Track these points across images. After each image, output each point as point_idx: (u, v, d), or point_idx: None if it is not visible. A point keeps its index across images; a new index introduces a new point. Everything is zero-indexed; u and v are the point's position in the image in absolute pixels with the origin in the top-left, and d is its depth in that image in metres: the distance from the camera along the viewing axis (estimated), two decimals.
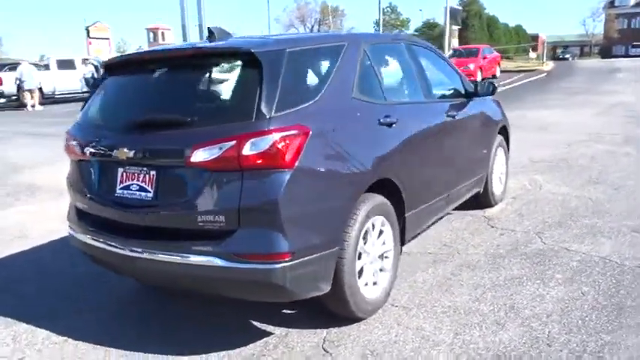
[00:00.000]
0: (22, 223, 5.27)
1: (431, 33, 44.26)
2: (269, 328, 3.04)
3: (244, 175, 2.44)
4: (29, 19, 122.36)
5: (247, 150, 2.41)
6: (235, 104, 2.56)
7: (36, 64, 21.67)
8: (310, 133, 2.57)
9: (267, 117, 2.47)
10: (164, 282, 3.00)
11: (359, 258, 2.95)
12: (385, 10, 53.06)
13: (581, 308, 3.07)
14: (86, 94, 21.13)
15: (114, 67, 3.11)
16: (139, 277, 3.05)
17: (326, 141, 2.69)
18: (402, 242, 3.44)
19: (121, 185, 2.78)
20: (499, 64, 25.25)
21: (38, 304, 3.50)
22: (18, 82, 18.92)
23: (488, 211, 5.08)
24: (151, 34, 54.17)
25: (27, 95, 19.06)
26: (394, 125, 3.23)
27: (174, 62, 2.82)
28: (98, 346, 2.92)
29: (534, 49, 40.44)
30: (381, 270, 3.19)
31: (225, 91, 2.67)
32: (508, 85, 21.49)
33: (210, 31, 3.01)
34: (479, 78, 21.26)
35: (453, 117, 4.06)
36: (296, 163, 2.49)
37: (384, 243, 3.20)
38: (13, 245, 4.63)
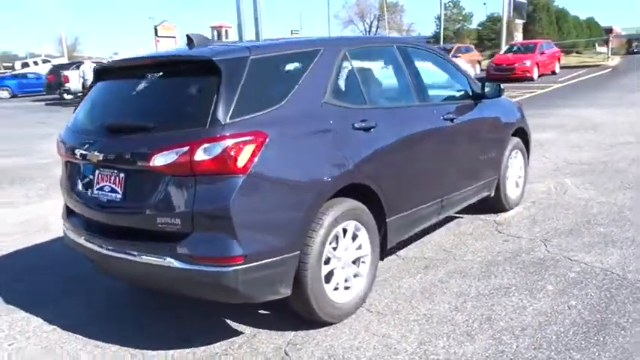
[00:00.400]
0: (46, 216, 5.58)
1: (494, 27, 42.82)
2: (241, 327, 3.10)
3: (197, 180, 2.51)
4: (103, 19, 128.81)
5: (199, 156, 2.47)
6: (193, 111, 2.62)
7: (97, 63, 22.71)
8: (267, 139, 2.60)
9: (222, 123, 2.52)
10: (134, 281, 3.12)
11: (326, 263, 2.95)
12: (447, 5, 51.89)
13: (561, 323, 2.93)
14: None
15: (100, 73, 3.26)
16: (114, 275, 3.19)
17: (286, 147, 2.71)
18: (384, 247, 3.40)
19: (97, 186, 2.92)
20: (559, 59, 24.11)
21: (42, 294, 3.73)
22: (82, 79, 19.95)
23: (501, 216, 4.91)
24: (215, 32, 55.86)
25: None
26: (372, 130, 3.19)
27: (143, 70, 2.92)
28: (79, 337, 3.07)
29: (604, 42, 38.20)
30: (355, 275, 3.18)
31: (186, 98, 2.74)
32: (565, 82, 20.53)
33: (189, 38, 3.09)
34: (535, 75, 20.46)
35: (452, 120, 3.95)
36: (249, 169, 2.52)
37: (359, 248, 3.18)
38: (35, 237, 4.94)
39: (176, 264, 2.56)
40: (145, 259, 2.65)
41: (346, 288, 3.12)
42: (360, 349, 2.79)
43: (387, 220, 3.36)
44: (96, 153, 2.80)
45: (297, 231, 2.71)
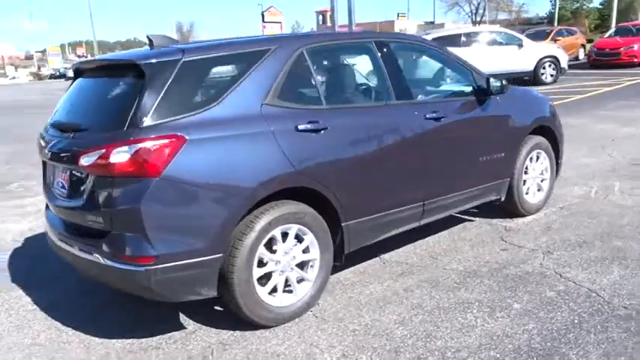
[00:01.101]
0: None
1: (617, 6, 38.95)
2: (188, 322, 3.18)
3: (115, 182, 2.60)
4: (216, 5, 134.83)
5: (115, 158, 2.56)
6: (117, 113, 2.70)
7: None
8: (186, 142, 2.63)
9: (138, 126, 2.59)
10: (83, 275, 3.23)
11: (261, 265, 2.94)
12: None
13: (501, 348, 2.69)
14: None
15: (75, 73, 3.46)
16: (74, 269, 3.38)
17: (210, 150, 2.71)
18: (342, 252, 3.31)
19: (55, 182, 3.13)
20: None
21: (43, 275, 4.08)
22: None
23: (515, 222, 4.56)
24: (320, 17, 56.50)
25: None
26: (323, 131, 3.10)
27: (94, 72, 3.05)
28: (49, 319, 3.33)
29: None
30: (301, 280, 3.13)
31: (115, 101, 2.83)
32: None
33: (149, 39, 3.18)
34: None
35: (438, 119, 3.71)
36: (163, 172, 2.57)
37: (306, 251, 3.13)
38: None
39: (101, 260, 2.69)
40: (81, 254, 2.81)
41: (289, 292, 3.09)
42: (280, 356, 2.76)
43: (343, 224, 3.26)
44: (46, 151, 3.00)
45: (218, 234, 2.72)
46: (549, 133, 4.74)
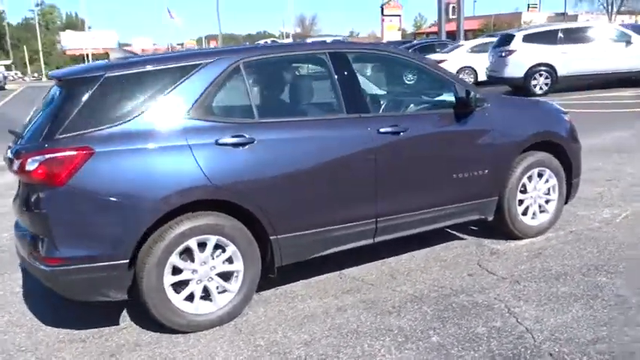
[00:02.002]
0: None
1: None
2: (126, 318, 3.39)
3: (32, 188, 2.85)
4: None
5: (29, 166, 2.80)
6: (41, 124, 2.94)
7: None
8: (94, 154, 2.81)
9: (52, 138, 2.82)
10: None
11: (176, 273, 3.05)
12: None
13: None
14: None
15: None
16: None
17: (120, 162, 2.86)
18: (272, 265, 3.33)
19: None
20: None
21: None
22: None
23: (507, 244, 4.22)
24: (443, 6, 54.98)
25: None
26: (249, 145, 3.13)
27: (54, 83, 3.29)
28: (22, 304, 3.74)
29: None
30: (223, 290, 3.20)
31: (46, 112, 3.06)
32: None
33: (107, 54, 3.41)
34: None
35: (397, 133, 3.55)
36: (69, 182, 2.77)
37: (229, 262, 3.19)
38: None
39: (30, 259, 2.98)
40: (25, 255, 3.12)
41: (210, 300, 3.17)
42: None
43: (272, 238, 3.27)
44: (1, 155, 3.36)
45: (122, 242, 2.87)
46: (559, 149, 4.30)
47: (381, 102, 3.87)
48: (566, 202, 4.59)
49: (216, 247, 3.15)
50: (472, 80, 16.60)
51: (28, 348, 3.11)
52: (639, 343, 2.75)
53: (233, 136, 3.10)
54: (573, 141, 4.42)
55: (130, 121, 2.94)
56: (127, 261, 2.90)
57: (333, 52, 3.56)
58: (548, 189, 4.36)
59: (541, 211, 4.37)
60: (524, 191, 4.24)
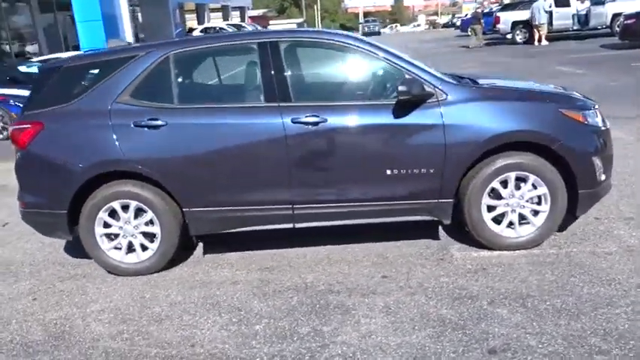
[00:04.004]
0: None
1: None
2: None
3: (16, 150, 3.91)
4: None
5: (11, 132, 3.85)
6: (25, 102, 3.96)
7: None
8: (43, 127, 3.69)
9: (23, 113, 3.80)
10: None
11: (106, 227, 3.80)
12: None
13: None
14: (578, 31, 20.43)
15: None
16: None
17: (60, 135, 3.68)
18: (188, 233, 3.82)
19: None
20: None
21: None
22: (530, 17, 19.96)
23: (467, 254, 3.79)
24: None
25: (535, 30, 20.00)
26: (162, 128, 3.62)
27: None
28: None
29: None
30: (145, 248, 3.83)
31: (29, 94, 4.04)
32: None
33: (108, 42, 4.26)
34: None
35: (316, 123, 3.54)
36: (28, 147, 3.72)
37: (150, 225, 3.79)
38: None
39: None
40: None
41: (132, 251, 3.85)
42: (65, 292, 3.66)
43: (184, 210, 3.74)
44: None
45: (61, 196, 3.72)
46: (554, 153, 3.60)
47: (310, 92, 3.82)
48: (576, 217, 3.81)
49: (140, 210, 3.77)
50: None
51: None
52: None
53: (149, 119, 3.63)
54: (579, 144, 3.61)
55: (72, 103, 3.73)
56: (65, 211, 3.75)
57: (263, 41, 3.70)
58: (539, 198, 3.69)
59: (524, 222, 3.75)
60: (497, 197, 3.70)
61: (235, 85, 3.99)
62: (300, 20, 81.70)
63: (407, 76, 3.59)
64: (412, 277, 3.51)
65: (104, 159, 3.68)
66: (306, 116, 3.56)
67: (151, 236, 3.83)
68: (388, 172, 3.63)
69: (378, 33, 47.27)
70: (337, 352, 2.77)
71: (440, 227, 4.17)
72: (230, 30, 30.53)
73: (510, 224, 3.76)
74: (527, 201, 3.70)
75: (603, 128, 3.84)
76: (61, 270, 4.09)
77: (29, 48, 21.17)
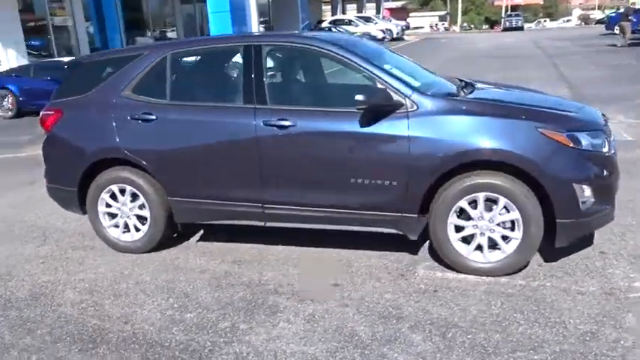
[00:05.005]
0: None
1: None
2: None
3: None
4: None
5: (41, 116, 4.45)
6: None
7: None
8: (62, 114, 4.23)
9: (50, 102, 4.37)
10: None
11: (107, 207, 4.26)
12: None
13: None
14: None
15: None
16: None
17: (75, 122, 4.20)
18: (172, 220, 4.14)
19: None
20: None
21: None
22: None
23: (431, 274, 3.64)
24: None
25: None
26: (153, 122, 3.96)
27: None
28: None
29: None
30: (137, 228, 4.22)
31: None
32: None
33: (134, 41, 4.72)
34: None
35: (285, 127, 3.62)
36: (51, 130, 4.29)
37: (142, 208, 4.17)
38: None
39: None
40: None
41: (128, 231, 4.26)
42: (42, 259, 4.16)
43: (168, 198, 4.07)
44: None
45: (73, 175, 4.22)
46: (530, 175, 3.32)
47: (285, 96, 3.84)
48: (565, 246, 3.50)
49: (135, 195, 4.16)
50: None
51: None
52: None
53: (143, 113, 3.99)
54: (558, 168, 3.28)
55: (87, 95, 4.21)
56: (76, 189, 4.27)
57: (248, 44, 3.85)
58: (512, 223, 3.43)
59: (494, 248, 3.50)
60: (466, 218, 3.50)
61: (221, 85, 4.17)
62: (442, 13, 79.65)
63: (379, 85, 3.54)
64: (360, 289, 3.48)
65: (105, 146, 4.11)
66: (277, 119, 3.67)
67: (143, 219, 4.20)
68: (352, 180, 3.61)
69: (521, 28, 44.40)
70: (234, 350, 2.89)
71: (427, 244, 4.02)
72: (359, 23, 30.92)
73: (480, 248, 3.54)
74: (498, 225, 3.46)
75: (605, 154, 3.44)
76: (79, 240, 4.65)
77: (169, 34, 23.36)
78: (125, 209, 4.21)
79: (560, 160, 3.30)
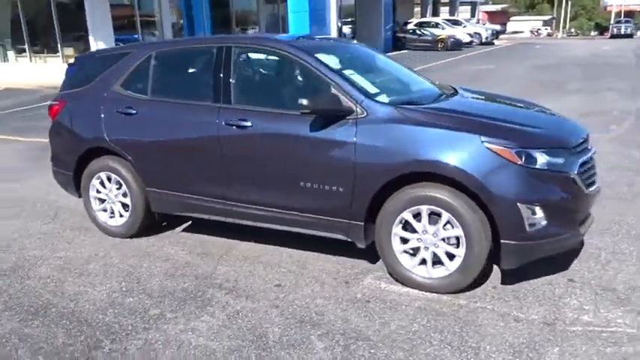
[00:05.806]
0: None
1: None
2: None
3: None
4: None
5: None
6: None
7: None
8: (65, 105, 4.59)
9: (58, 94, 4.76)
10: None
11: (98, 192, 4.57)
12: None
13: None
14: None
15: None
16: None
17: (74, 112, 4.53)
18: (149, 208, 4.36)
19: None
20: None
21: None
22: None
23: (382, 287, 3.55)
24: None
25: None
26: (134, 115, 4.20)
27: None
28: None
29: None
30: (122, 215, 4.49)
31: None
32: None
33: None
34: None
35: (243, 127, 3.71)
36: (56, 119, 4.67)
37: (124, 196, 4.43)
38: None
39: None
40: None
41: (113, 216, 4.55)
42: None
43: (146, 188, 4.29)
44: None
45: (71, 161, 4.57)
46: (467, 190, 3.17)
47: (247, 96, 3.85)
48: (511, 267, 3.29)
49: (119, 183, 4.44)
50: None
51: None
52: None
53: (126, 107, 4.24)
54: (501, 184, 3.08)
55: (85, 88, 4.54)
56: (71, 174, 4.62)
57: (220, 46, 3.98)
58: (457, 239, 3.28)
59: (440, 264, 3.36)
60: (412, 230, 3.39)
61: (194, 83, 4.30)
62: (547, 17, 75.60)
63: (332, 90, 3.52)
64: (298, 292, 3.48)
65: (95, 136, 4.41)
66: (238, 119, 3.76)
67: (125, 206, 4.47)
68: (302, 183, 3.62)
69: (630, 36, 41.09)
70: (148, 337, 3.01)
71: None
72: (445, 25, 30.17)
73: (424, 262, 3.41)
74: (442, 240, 3.31)
75: (568, 174, 3.20)
76: (79, 220, 5.00)
77: (250, 32, 24.17)
78: (111, 196, 4.49)
79: (505, 177, 3.10)
